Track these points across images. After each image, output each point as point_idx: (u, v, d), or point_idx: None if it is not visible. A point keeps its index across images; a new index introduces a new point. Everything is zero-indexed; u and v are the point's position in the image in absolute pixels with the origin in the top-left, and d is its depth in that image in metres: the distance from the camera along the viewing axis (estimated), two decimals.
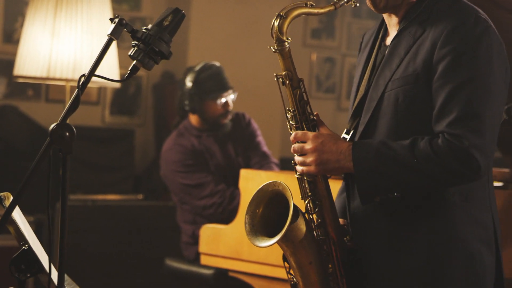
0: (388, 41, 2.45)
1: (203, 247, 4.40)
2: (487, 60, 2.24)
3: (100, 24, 4.50)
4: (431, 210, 2.31)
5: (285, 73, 2.41)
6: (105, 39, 4.50)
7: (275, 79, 2.43)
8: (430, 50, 2.27)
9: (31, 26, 4.51)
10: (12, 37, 6.51)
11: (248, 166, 4.84)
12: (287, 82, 2.41)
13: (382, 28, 2.51)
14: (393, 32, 2.44)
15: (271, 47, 2.39)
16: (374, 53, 2.48)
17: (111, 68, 4.43)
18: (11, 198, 2.22)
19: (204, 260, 4.42)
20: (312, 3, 2.39)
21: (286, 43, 2.38)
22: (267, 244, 2.33)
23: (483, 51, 2.24)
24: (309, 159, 2.33)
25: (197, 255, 4.60)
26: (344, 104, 7.77)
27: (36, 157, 2.06)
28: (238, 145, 4.90)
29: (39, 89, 6.65)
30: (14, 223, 2.17)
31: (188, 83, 4.86)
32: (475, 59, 2.24)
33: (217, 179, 4.77)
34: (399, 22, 2.41)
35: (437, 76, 2.26)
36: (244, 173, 4.23)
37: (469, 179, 2.26)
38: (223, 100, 4.84)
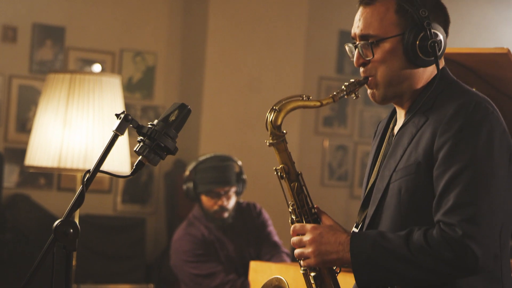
0: (396, 130, 2.41)
1: None
2: (487, 146, 2.18)
3: (111, 113, 4.51)
4: None
5: (281, 167, 2.38)
6: None
7: (274, 173, 2.39)
8: (430, 139, 2.22)
9: (43, 115, 4.53)
10: (25, 126, 6.56)
11: (259, 256, 4.78)
12: (284, 176, 2.38)
13: (393, 117, 2.47)
14: (401, 121, 2.40)
15: (266, 141, 2.37)
16: (384, 143, 2.45)
17: (121, 157, 4.42)
18: None
19: None
20: (309, 96, 2.36)
21: (281, 136, 2.36)
22: None
23: (483, 138, 2.18)
24: (307, 250, 2.28)
25: None
26: (357, 192, 7.73)
27: (40, 254, 2.03)
28: (249, 234, 4.85)
29: (51, 178, 6.66)
30: None
31: (187, 171, 4.84)
32: (474, 145, 2.17)
33: (227, 269, 4.71)
34: (406, 114, 2.37)
35: (437, 165, 2.20)
36: (253, 265, 4.18)
37: (467, 271, 2.16)
38: (217, 195, 4.71)
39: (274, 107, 2.36)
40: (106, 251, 6.44)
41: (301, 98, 2.36)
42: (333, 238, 2.27)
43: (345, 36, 7.74)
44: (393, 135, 2.41)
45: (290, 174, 2.38)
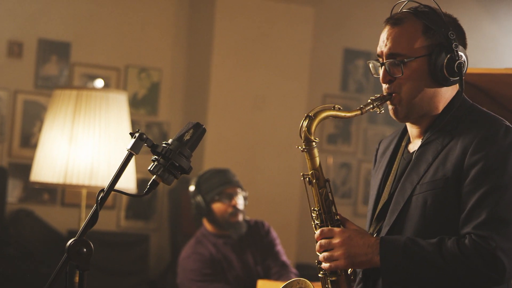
0: (411, 148, 2.50)
1: None
2: None
3: (118, 130, 4.51)
4: None
5: (312, 172, 2.45)
6: (122, 145, 4.56)
7: (302, 178, 2.47)
8: (460, 156, 2.34)
9: (49, 131, 4.53)
10: (29, 142, 6.55)
11: (267, 275, 4.75)
12: (314, 181, 2.45)
13: (405, 137, 2.55)
14: (415, 140, 2.50)
15: (299, 147, 2.45)
16: (397, 160, 2.52)
17: (127, 173, 4.41)
18: None
19: None
20: (339, 106, 2.44)
21: (313, 143, 2.43)
22: None
23: None
24: (337, 253, 2.35)
25: None
26: (361, 209, 7.72)
27: (53, 273, 2.02)
28: (257, 253, 4.81)
29: (55, 193, 6.65)
30: None
31: (191, 187, 4.83)
32: (505, 167, 2.31)
33: None
34: (423, 133, 2.47)
35: (468, 181, 2.32)
36: (261, 284, 4.16)
37: (494, 282, 2.29)
38: (228, 197, 4.72)
39: (309, 114, 2.44)
40: (109, 267, 6.42)
41: (332, 108, 2.44)
42: (362, 240, 2.35)
43: (350, 54, 7.75)
44: (408, 152, 2.50)
45: (320, 180, 2.45)
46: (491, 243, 2.25)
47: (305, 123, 2.43)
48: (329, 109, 2.44)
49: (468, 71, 3.05)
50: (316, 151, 2.44)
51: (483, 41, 7.80)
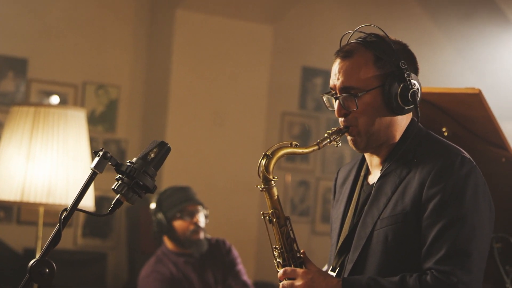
0: (371, 180, 2.51)
1: None
2: (474, 200, 2.32)
3: (76, 147, 4.46)
4: None
5: (272, 211, 2.43)
6: (81, 162, 4.51)
7: (262, 217, 2.44)
8: (418, 190, 2.34)
9: (6, 148, 4.47)
10: None
11: None
12: (274, 220, 2.43)
13: (364, 167, 2.55)
14: (375, 171, 2.50)
15: (258, 186, 2.42)
16: (356, 192, 2.53)
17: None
18: None
19: None
20: (296, 143, 2.43)
21: (272, 181, 2.41)
22: None
23: (470, 191, 2.32)
24: None
25: None
26: (319, 227, 7.73)
27: None
28: (218, 272, 4.78)
29: (11, 211, 6.56)
30: None
31: (152, 204, 4.79)
32: (463, 199, 2.31)
33: None
34: (382, 162, 2.47)
35: (426, 215, 2.32)
36: None
37: None
38: (190, 214, 4.68)
39: (267, 153, 2.42)
40: (66, 286, 6.34)
41: (290, 145, 2.43)
42: (324, 282, 2.33)
43: (308, 72, 7.79)
44: (367, 183, 2.51)
45: (280, 219, 2.43)
46: (452, 278, 2.25)
47: (263, 162, 2.41)
48: (286, 146, 2.42)
49: (429, 90, 3.08)
50: (275, 190, 2.41)
51: (440, 62, 7.89)
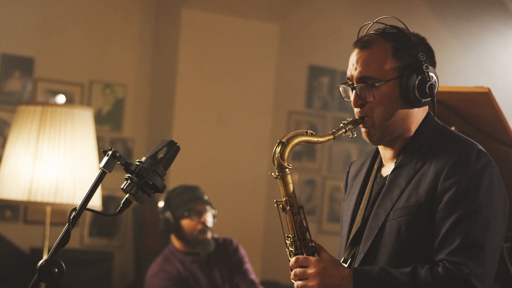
0: (384, 172, 2.50)
1: None
2: (489, 194, 2.32)
3: (83, 146, 4.46)
4: None
5: (285, 199, 2.41)
6: (88, 161, 4.50)
7: (275, 205, 2.43)
8: (433, 182, 2.33)
9: (13, 147, 4.47)
10: None
11: None
12: (288, 208, 2.41)
13: (377, 160, 2.54)
14: (388, 164, 2.49)
15: (272, 174, 2.41)
16: (369, 184, 2.52)
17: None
18: None
19: None
20: (312, 131, 2.42)
21: (287, 169, 2.40)
22: None
23: (485, 185, 2.32)
24: (312, 283, 2.34)
25: None
26: (326, 226, 7.72)
27: None
28: (225, 271, 4.78)
29: (17, 210, 6.56)
30: None
31: (160, 203, 4.80)
32: (478, 192, 2.30)
33: None
34: (396, 155, 2.46)
35: (441, 206, 2.32)
36: None
37: None
38: (198, 214, 4.69)
39: (282, 140, 2.40)
40: (72, 285, 6.33)
41: (305, 133, 2.42)
42: (336, 271, 2.33)
43: (315, 71, 7.77)
44: (381, 176, 2.50)
45: (293, 207, 2.42)
46: (465, 269, 2.25)
47: (278, 149, 2.40)
48: (301, 134, 2.41)
49: (439, 89, 3.07)
50: (289, 177, 2.40)
51: (447, 61, 7.86)
